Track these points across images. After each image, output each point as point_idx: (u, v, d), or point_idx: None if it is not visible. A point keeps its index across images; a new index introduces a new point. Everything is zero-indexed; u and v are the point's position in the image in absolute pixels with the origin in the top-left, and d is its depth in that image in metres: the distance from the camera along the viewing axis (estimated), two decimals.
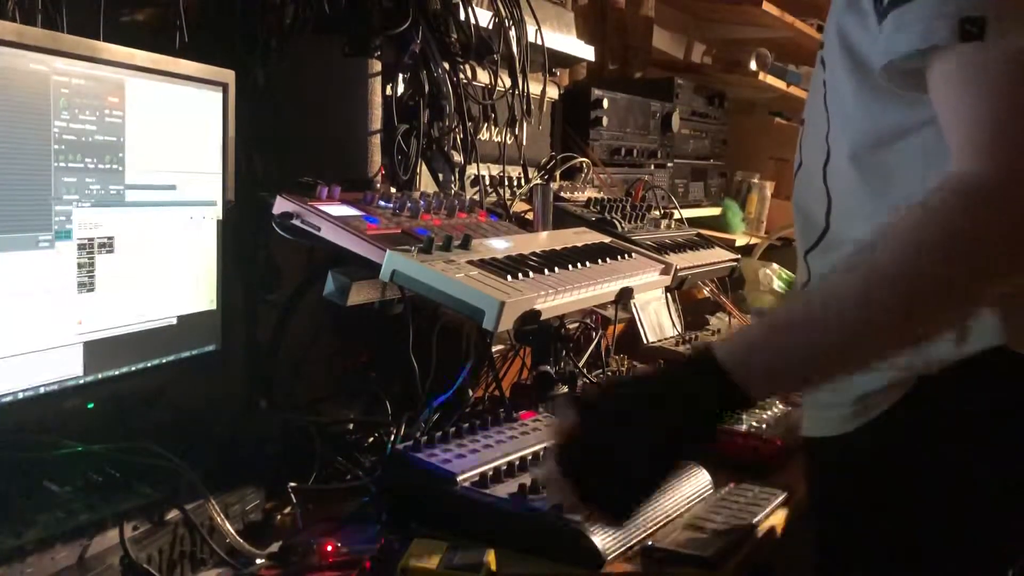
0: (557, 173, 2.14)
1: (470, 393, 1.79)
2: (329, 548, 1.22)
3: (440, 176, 1.72)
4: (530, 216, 1.86)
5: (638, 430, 1.00)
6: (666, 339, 2.42)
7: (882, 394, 1.11)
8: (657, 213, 2.17)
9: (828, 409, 1.17)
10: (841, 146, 1.16)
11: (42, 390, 1.14)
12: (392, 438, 1.49)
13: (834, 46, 1.14)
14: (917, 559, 1.13)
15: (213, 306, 1.40)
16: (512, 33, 1.82)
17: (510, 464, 1.41)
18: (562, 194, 2.02)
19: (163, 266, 1.30)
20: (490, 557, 1.17)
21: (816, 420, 1.21)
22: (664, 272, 1.78)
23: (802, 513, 1.53)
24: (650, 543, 1.29)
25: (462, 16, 1.70)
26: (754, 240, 3.26)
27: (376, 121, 1.57)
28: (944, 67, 0.95)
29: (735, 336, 1.06)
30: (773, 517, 1.45)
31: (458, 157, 1.74)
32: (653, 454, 1.01)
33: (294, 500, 1.34)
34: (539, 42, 1.93)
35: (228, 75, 1.39)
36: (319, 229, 1.35)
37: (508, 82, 1.85)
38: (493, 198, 1.87)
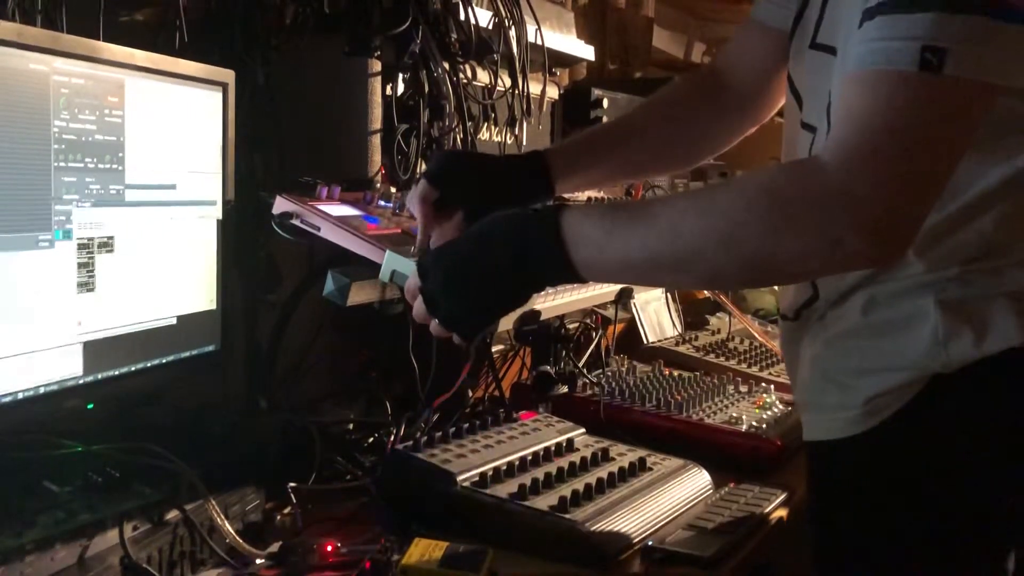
0: None
1: (470, 393, 1.79)
2: (329, 548, 1.22)
3: None
4: None
5: (473, 279, 1.10)
6: (666, 339, 2.42)
7: (893, 395, 1.09)
8: None
9: (834, 411, 1.15)
10: None
11: (42, 390, 1.14)
12: (392, 438, 1.49)
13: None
14: (926, 558, 1.12)
15: (213, 306, 1.40)
16: (512, 33, 1.82)
17: (510, 464, 1.41)
18: (562, 194, 2.01)
19: (163, 266, 1.30)
20: (490, 557, 1.17)
21: (820, 423, 1.19)
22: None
23: (802, 514, 1.53)
24: (650, 543, 1.29)
25: (462, 16, 1.70)
26: None
27: (376, 121, 1.57)
28: (886, 76, 0.95)
29: (584, 207, 1.11)
30: (773, 517, 1.45)
31: None
32: (488, 297, 1.11)
33: (294, 500, 1.34)
34: (539, 42, 1.93)
35: (228, 75, 1.39)
36: (319, 229, 1.35)
37: (508, 82, 1.85)
38: None
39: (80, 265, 1.17)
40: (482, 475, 1.36)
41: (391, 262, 1.29)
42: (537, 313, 1.38)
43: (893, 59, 0.93)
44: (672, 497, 1.43)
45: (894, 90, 0.93)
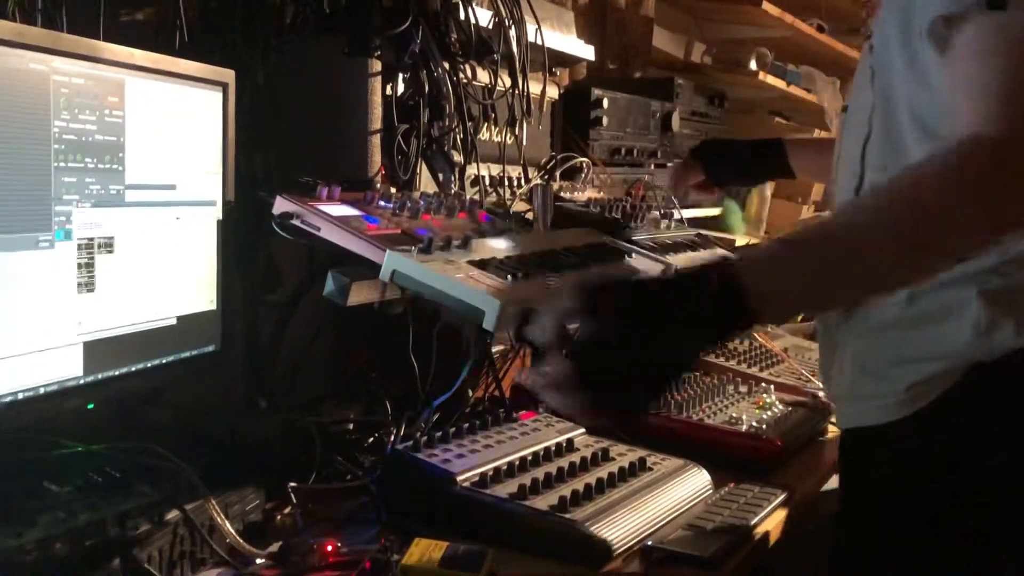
0: (557, 173, 2.14)
1: (470, 393, 1.79)
2: (329, 548, 1.22)
3: (440, 176, 1.72)
4: (530, 216, 1.86)
5: (648, 346, 0.93)
6: None
7: (934, 382, 1.12)
8: (657, 213, 2.17)
9: (874, 399, 1.18)
10: (884, 122, 1.19)
11: (42, 390, 1.14)
12: (392, 438, 1.49)
13: (893, 26, 1.16)
14: (961, 547, 1.14)
15: (213, 306, 1.40)
16: (512, 33, 1.82)
17: (510, 464, 1.41)
18: (562, 194, 2.02)
19: (163, 266, 1.30)
20: (490, 557, 1.17)
21: (858, 411, 1.22)
22: (664, 272, 1.78)
23: (802, 513, 1.53)
24: (650, 543, 1.29)
25: (462, 16, 1.70)
26: (754, 240, 3.25)
27: (376, 121, 1.57)
28: (964, 35, 1.00)
29: (755, 254, 1.09)
30: (773, 517, 1.45)
31: (458, 157, 1.74)
32: (661, 368, 0.97)
33: (294, 500, 1.34)
34: (539, 42, 1.93)
35: (228, 75, 1.39)
36: (319, 229, 1.35)
37: (508, 82, 1.85)
38: (493, 198, 1.87)
39: (80, 265, 1.17)
40: (482, 475, 1.36)
41: (391, 262, 1.29)
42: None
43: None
44: (672, 497, 1.42)
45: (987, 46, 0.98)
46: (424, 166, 1.68)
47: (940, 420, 1.13)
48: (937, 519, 1.14)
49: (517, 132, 1.91)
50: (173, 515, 1.13)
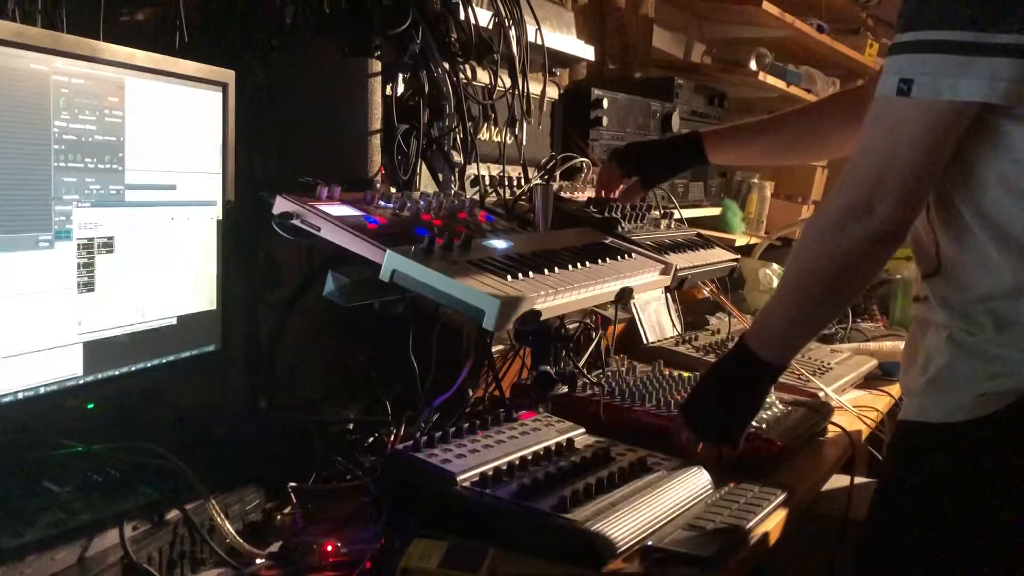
0: (557, 173, 2.14)
1: (470, 393, 1.79)
2: (329, 548, 1.22)
3: (440, 176, 1.72)
4: (530, 216, 1.86)
5: (715, 410, 1.53)
6: (666, 339, 2.41)
7: (1003, 395, 1.26)
8: (657, 213, 2.17)
9: (943, 403, 1.32)
10: None
11: (42, 390, 1.14)
12: (392, 438, 1.49)
13: None
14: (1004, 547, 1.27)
15: (213, 306, 1.40)
16: (512, 33, 1.82)
17: (510, 464, 1.41)
18: (562, 194, 2.02)
19: (163, 266, 1.31)
20: (490, 557, 1.17)
21: (926, 406, 1.35)
22: (664, 272, 1.79)
23: (801, 513, 1.53)
24: (650, 543, 1.29)
25: (462, 16, 1.70)
26: (754, 240, 3.26)
27: (376, 121, 1.57)
28: (878, 108, 1.27)
29: (756, 319, 1.52)
30: (773, 517, 1.45)
31: (458, 157, 1.74)
32: (732, 418, 1.52)
33: (294, 500, 1.34)
34: (539, 42, 1.93)
35: (228, 75, 1.39)
36: (319, 229, 1.35)
37: (508, 82, 1.85)
38: (493, 198, 1.87)
39: (80, 265, 1.17)
40: (482, 475, 1.36)
41: (391, 262, 1.29)
42: (537, 313, 1.38)
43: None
44: (672, 497, 1.42)
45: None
46: (424, 166, 1.68)
47: (1009, 425, 1.27)
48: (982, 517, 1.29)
49: (517, 132, 1.91)
50: (173, 515, 1.14)
